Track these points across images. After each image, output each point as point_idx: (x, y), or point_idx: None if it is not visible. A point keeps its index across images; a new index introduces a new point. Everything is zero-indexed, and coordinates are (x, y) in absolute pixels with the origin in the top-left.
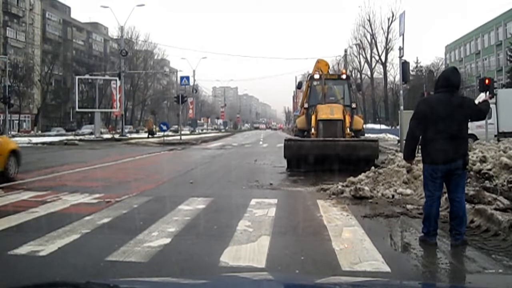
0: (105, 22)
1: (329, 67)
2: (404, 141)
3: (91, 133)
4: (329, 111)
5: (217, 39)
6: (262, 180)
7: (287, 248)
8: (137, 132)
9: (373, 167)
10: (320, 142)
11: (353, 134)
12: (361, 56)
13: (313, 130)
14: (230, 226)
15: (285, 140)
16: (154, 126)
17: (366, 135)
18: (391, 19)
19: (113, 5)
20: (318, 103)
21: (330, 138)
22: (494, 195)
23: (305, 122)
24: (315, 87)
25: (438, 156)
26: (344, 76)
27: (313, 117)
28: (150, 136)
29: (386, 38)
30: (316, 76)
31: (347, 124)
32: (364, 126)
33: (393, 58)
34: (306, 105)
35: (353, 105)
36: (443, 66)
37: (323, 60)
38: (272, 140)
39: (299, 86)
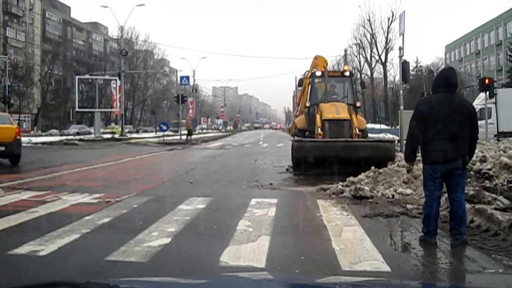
0: (105, 22)
1: (327, 64)
2: (404, 141)
3: (77, 133)
4: (335, 110)
5: (217, 39)
6: (262, 180)
7: (287, 248)
8: (137, 132)
9: (373, 167)
10: (335, 143)
11: (361, 134)
12: (361, 56)
13: (319, 130)
14: (230, 226)
15: (294, 141)
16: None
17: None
18: (391, 18)
19: (113, 5)
20: (320, 101)
21: (345, 139)
22: (494, 195)
23: (306, 122)
24: (317, 84)
25: (438, 156)
26: (347, 73)
27: (317, 117)
28: (188, 136)
29: (386, 38)
30: (318, 73)
31: (355, 124)
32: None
33: (393, 58)
34: (307, 104)
35: (358, 104)
36: (443, 66)
37: (321, 56)
38: (272, 140)
39: (299, 83)
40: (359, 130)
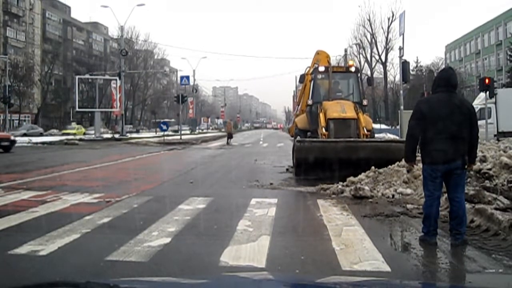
0: (105, 22)
1: (329, 59)
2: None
3: (25, 134)
4: (340, 109)
5: (217, 39)
6: (262, 180)
7: (287, 248)
8: (137, 131)
9: (373, 167)
10: (344, 143)
11: (369, 135)
12: (361, 55)
13: (323, 130)
14: (230, 225)
15: (297, 141)
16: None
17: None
18: (391, 18)
19: (113, 5)
20: (323, 99)
21: (355, 139)
22: (494, 195)
23: (307, 121)
24: (320, 81)
25: (438, 156)
26: (352, 69)
27: (321, 115)
28: (229, 139)
29: (386, 38)
30: (321, 69)
31: (362, 124)
32: None
33: (393, 57)
34: (309, 102)
35: (364, 102)
36: (443, 66)
37: (323, 51)
38: (272, 140)
39: (301, 80)
40: (367, 130)
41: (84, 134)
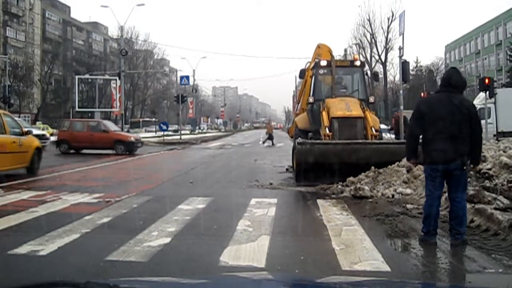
0: (105, 21)
1: (332, 53)
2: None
3: None
4: (345, 107)
5: (217, 39)
6: (262, 180)
7: (287, 247)
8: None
9: (372, 167)
10: (350, 145)
11: (378, 135)
12: (361, 55)
13: (327, 130)
14: (230, 225)
15: (298, 143)
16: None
17: None
18: (391, 18)
19: (113, 5)
20: (325, 96)
21: (362, 141)
22: (494, 195)
23: (308, 121)
24: (321, 76)
25: (437, 156)
26: (357, 63)
27: (324, 114)
28: (270, 140)
29: (386, 38)
30: (323, 63)
31: (371, 123)
32: None
33: (393, 57)
34: (311, 99)
35: (371, 99)
36: (443, 66)
37: (325, 45)
38: None
39: (301, 75)
40: (375, 130)
41: (51, 135)
